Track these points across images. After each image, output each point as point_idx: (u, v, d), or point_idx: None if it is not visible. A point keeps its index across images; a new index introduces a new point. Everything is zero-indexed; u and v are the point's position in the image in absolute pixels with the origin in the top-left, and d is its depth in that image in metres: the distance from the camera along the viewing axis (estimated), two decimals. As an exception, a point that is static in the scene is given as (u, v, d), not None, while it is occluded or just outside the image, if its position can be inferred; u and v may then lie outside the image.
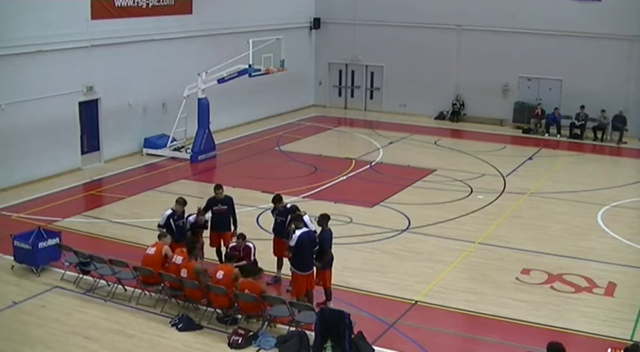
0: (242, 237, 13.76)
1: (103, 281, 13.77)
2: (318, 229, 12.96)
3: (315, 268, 12.75)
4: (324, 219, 12.96)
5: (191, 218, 14.32)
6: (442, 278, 14.63)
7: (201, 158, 23.74)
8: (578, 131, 28.01)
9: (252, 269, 12.54)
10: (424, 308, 13.35)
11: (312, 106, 33.70)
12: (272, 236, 14.33)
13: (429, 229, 17.52)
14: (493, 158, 24.64)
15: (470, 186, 21.12)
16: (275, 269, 14.18)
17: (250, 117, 29.45)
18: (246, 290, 12.12)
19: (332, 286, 13.09)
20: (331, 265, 12.98)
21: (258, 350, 11.68)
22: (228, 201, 14.63)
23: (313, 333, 11.50)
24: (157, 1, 24.33)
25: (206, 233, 14.68)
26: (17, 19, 19.59)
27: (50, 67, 20.58)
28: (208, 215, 14.51)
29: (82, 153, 22.40)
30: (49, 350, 11.60)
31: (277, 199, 14.13)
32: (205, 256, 13.92)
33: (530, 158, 25.02)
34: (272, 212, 14.45)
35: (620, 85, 27.78)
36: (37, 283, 14.01)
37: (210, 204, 14.55)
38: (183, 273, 12.67)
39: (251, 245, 13.81)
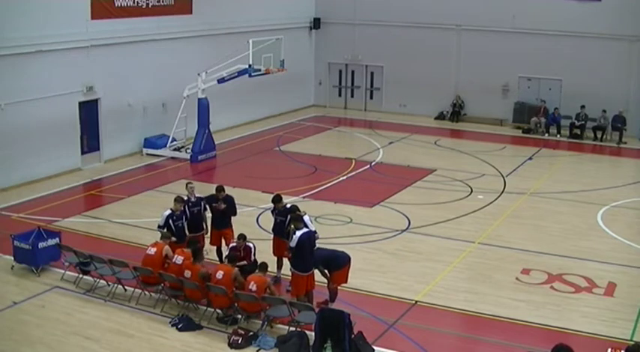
0: (242, 237, 13.75)
1: (103, 282, 13.77)
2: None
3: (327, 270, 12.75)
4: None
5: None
6: (442, 278, 14.63)
7: (201, 158, 23.72)
8: (578, 131, 28.00)
9: (261, 266, 12.62)
10: (424, 308, 13.34)
11: (312, 106, 33.68)
12: (272, 236, 14.34)
13: (428, 229, 17.51)
14: (493, 158, 24.63)
15: (470, 186, 21.11)
16: (275, 270, 14.18)
17: (250, 117, 29.44)
18: (252, 282, 12.14)
19: (331, 286, 13.12)
20: (341, 266, 12.89)
21: (258, 350, 11.68)
22: (229, 200, 14.67)
23: (313, 333, 11.51)
24: (157, 1, 24.32)
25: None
26: (17, 19, 19.57)
27: (50, 67, 20.56)
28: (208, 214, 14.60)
29: (82, 153, 22.39)
30: (49, 350, 11.60)
31: (277, 199, 14.13)
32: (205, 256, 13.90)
33: (530, 158, 25.01)
34: (272, 212, 14.45)
35: (620, 85, 27.78)
36: (37, 283, 14.00)
37: (210, 200, 14.63)
38: (187, 275, 12.66)
39: (251, 245, 13.81)
